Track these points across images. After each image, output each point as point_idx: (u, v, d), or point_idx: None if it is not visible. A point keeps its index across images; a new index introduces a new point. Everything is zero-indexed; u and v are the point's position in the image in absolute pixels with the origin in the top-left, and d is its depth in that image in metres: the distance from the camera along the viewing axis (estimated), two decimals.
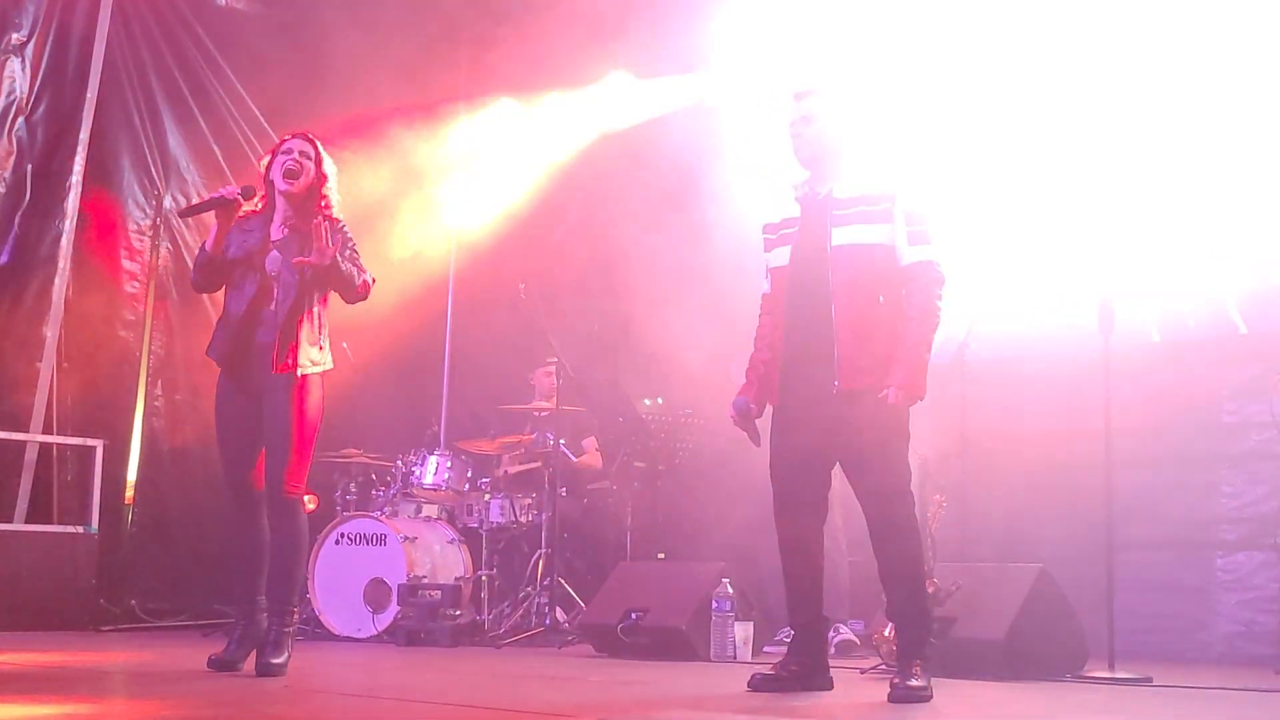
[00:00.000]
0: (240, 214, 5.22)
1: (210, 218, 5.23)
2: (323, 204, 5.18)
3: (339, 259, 5.05)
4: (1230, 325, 7.34)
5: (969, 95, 7.95)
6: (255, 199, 5.23)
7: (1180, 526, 7.40)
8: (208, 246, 5.21)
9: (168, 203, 8.66)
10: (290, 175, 5.16)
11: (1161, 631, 7.22)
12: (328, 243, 4.98)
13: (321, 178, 5.21)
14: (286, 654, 4.99)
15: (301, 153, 5.19)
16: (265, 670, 4.90)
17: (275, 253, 5.13)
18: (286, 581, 5.06)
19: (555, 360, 7.90)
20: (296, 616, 5.11)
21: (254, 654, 5.04)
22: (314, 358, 5.11)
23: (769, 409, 5.02)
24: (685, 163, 8.59)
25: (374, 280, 5.21)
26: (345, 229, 5.21)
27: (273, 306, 5.09)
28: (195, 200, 8.38)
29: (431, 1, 9.44)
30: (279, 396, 5.02)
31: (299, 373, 5.04)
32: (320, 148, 5.27)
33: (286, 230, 5.17)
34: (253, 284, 5.12)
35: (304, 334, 5.07)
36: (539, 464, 8.15)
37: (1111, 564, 5.77)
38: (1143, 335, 7.41)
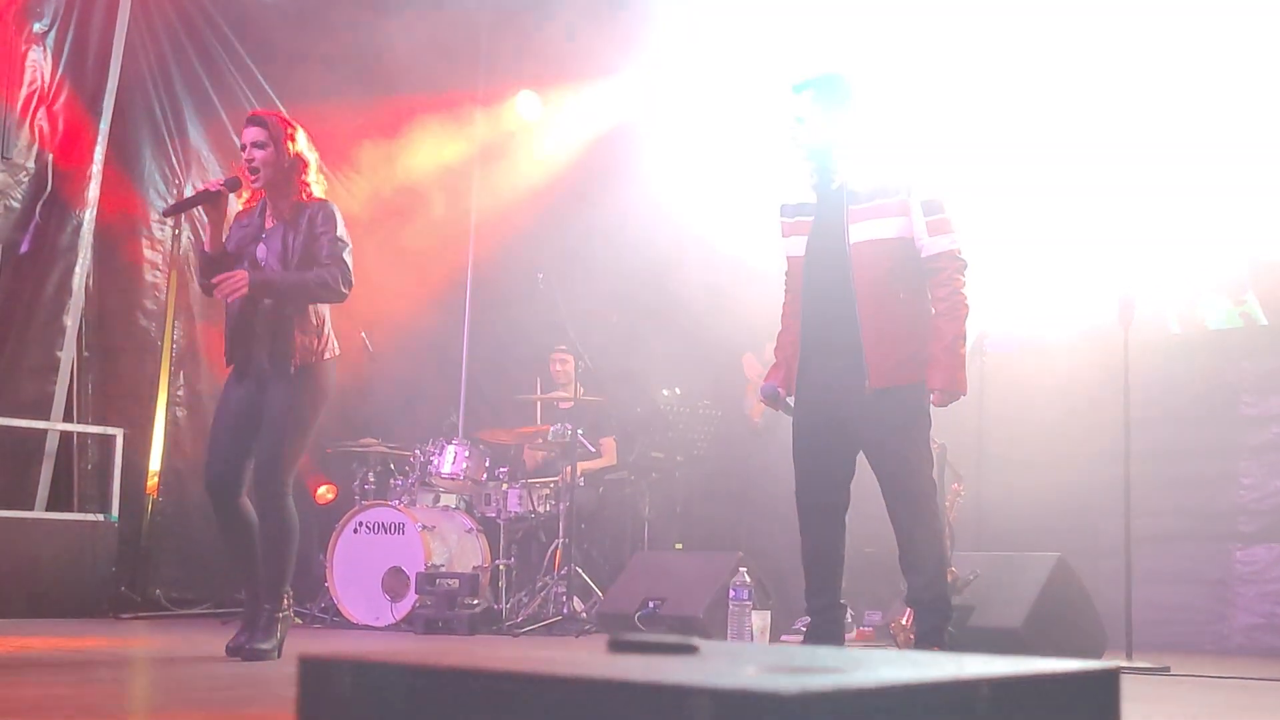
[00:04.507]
0: (237, 207, 5.19)
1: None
2: (302, 177, 5.09)
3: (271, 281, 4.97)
4: (1250, 317, 7.32)
5: (988, 87, 7.93)
6: (242, 189, 5.18)
7: (1199, 518, 7.39)
8: (206, 247, 5.18)
9: (189, 191, 8.66)
10: (252, 172, 5.07)
11: (1179, 623, 7.22)
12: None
13: (283, 155, 5.06)
14: (276, 639, 5.01)
15: (254, 144, 5.05)
16: (251, 655, 4.91)
17: (262, 245, 5.11)
18: (275, 568, 5.06)
19: (564, 347, 7.89)
20: (288, 602, 5.12)
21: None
22: (312, 347, 5.07)
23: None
24: (699, 151, 8.58)
25: (347, 283, 5.04)
26: (335, 215, 5.11)
27: (267, 300, 5.07)
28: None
29: None
30: (277, 389, 5.01)
31: (297, 364, 5.02)
32: (279, 124, 5.10)
33: (275, 221, 5.14)
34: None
35: (297, 325, 5.04)
36: (554, 479, 8.11)
37: (1130, 555, 5.76)
38: (1162, 326, 7.39)
